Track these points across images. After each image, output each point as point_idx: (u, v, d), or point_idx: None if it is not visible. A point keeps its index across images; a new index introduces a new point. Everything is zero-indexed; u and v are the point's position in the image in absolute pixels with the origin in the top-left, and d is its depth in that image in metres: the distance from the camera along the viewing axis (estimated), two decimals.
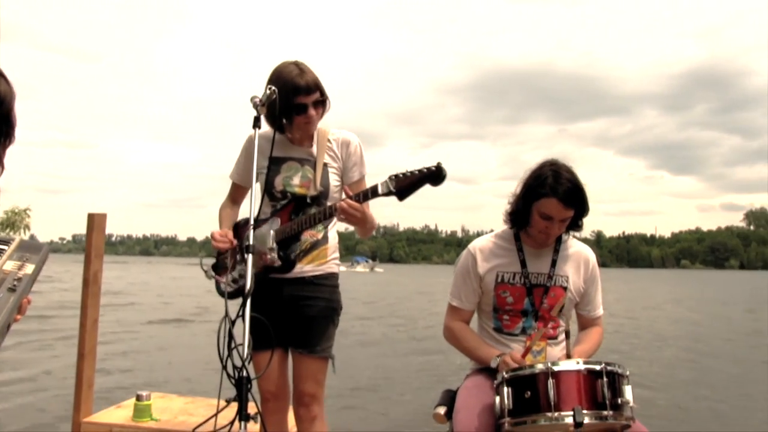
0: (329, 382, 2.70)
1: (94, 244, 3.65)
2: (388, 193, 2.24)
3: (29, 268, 1.85)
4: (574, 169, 2.50)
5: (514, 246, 2.63)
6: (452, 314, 2.71)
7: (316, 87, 2.53)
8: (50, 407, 6.43)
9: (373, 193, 2.30)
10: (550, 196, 2.42)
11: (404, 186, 2.21)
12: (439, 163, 2.18)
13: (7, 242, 1.93)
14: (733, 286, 51.60)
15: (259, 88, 2.46)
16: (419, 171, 2.19)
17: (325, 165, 2.65)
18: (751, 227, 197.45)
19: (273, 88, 2.38)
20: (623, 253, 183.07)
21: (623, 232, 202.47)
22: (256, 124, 2.39)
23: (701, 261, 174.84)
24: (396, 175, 2.22)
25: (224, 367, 1.97)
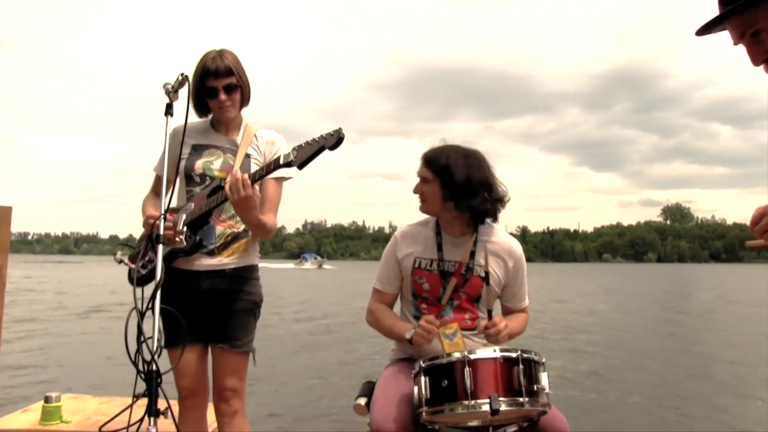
0: (254, 377, 2.65)
1: None
2: (288, 164, 2.22)
3: None
4: (479, 155, 2.58)
5: (433, 233, 2.63)
6: (374, 297, 2.71)
7: (228, 72, 2.51)
8: None
9: (275, 165, 2.27)
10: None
11: (305, 154, 2.19)
12: (339, 128, 2.19)
13: None
14: (649, 278, 53.61)
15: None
16: (319, 138, 2.18)
17: (248, 155, 2.62)
18: (668, 222, 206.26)
19: (185, 74, 2.32)
20: (548, 248, 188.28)
21: (548, 228, 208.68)
22: (168, 111, 2.32)
23: (622, 255, 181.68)
24: (299, 145, 2.21)
25: (134, 362, 1.90)
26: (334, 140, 2.16)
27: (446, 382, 2.07)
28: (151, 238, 2.15)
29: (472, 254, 2.59)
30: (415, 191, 2.60)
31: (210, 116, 2.67)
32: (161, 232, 2.12)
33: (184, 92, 2.28)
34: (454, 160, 2.51)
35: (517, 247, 2.67)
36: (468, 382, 2.02)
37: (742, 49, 1.67)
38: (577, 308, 20.97)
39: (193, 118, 2.59)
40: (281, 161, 2.23)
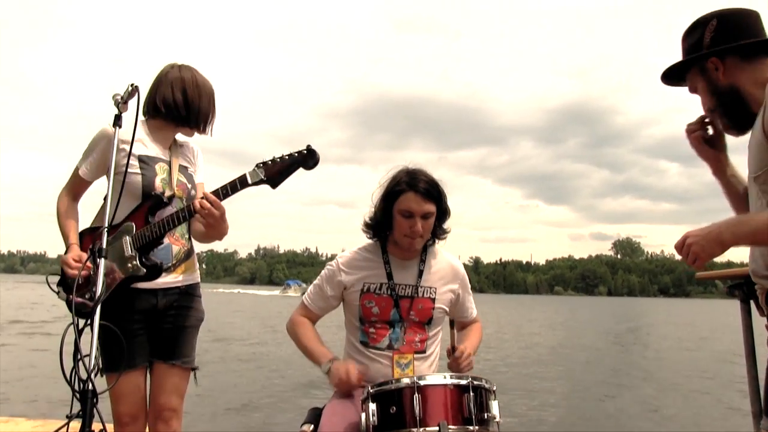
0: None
1: None
2: (258, 182, 2.17)
3: None
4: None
5: (380, 257, 2.60)
6: (301, 309, 2.68)
7: (181, 83, 2.54)
8: None
9: (242, 183, 2.22)
10: (407, 191, 2.44)
11: (275, 172, 2.14)
12: (309, 145, 2.13)
13: None
14: (598, 311, 54.50)
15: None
16: (289, 155, 2.14)
17: (184, 168, 2.61)
18: (618, 256, 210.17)
19: (135, 84, 2.24)
20: (500, 279, 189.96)
21: (500, 259, 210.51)
22: (117, 122, 2.24)
23: (573, 287, 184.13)
24: (264, 162, 2.17)
25: (69, 381, 1.81)
26: (307, 158, 2.13)
27: (395, 408, 2.01)
28: (93, 252, 2.05)
29: (420, 273, 2.59)
30: (418, 231, 2.46)
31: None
32: (104, 245, 2.03)
33: (133, 104, 2.20)
34: (441, 188, 2.51)
35: (459, 265, 2.74)
36: (417, 409, 1.96)
37: (685, 90, 1.99)
38: (522, 339, 21.19)
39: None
40: (249, 180, 2.18)
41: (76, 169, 2.53)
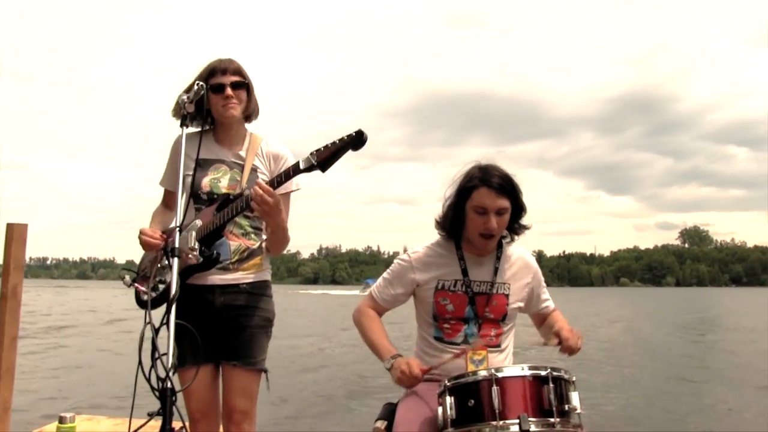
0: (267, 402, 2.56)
1: (14, 256, 3.42)
2: (310, 168, 2.15)
3: None
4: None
5: (454, 254, 2.55)
6: (369, 301, 2.65)
7: (237, 71, 2.50)
8: None
9: (294, 170, 2.19)
10: (480, 186, 2.39)
11: (326, 157, 2.11)
12: (359, 129, 2.10)
13: None
14: (668, 302, 53.03)
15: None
16: (339, 140, 2.11)
17: (254, 169, 2.56)
18: (686, 245, 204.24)
19: (201, 83, 2.26)
20: (564, 272, 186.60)
21: (563, 252, 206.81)
22: (184, 122, 2.26)
23: (639, 279, 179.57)
24: (317, 150, 2.14)
25: (147, 379, 1.83)
26: (356, 140, 2.09)
27: (473, 401, 1.98)
28: (165, 251, 2.08)
29: (496, 271, 2.54)
30: (493, 228, 2.41)
31: (211, 128, 2.61)
32: (176, 245, 2.05)
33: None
34: (515, 183, 2.44)
35: (532, 260, 2.69)
36: (496, 401, 1.92)
37: (748, 74, 1.73)
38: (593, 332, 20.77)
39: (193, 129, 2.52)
40: (301, 166, 2.16)
41: (160, 181, 2.67)
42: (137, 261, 2.64)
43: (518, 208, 2.49)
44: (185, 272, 2.36)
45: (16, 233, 3.45)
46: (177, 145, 2.48)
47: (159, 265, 2.40)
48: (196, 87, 2.24)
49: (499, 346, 2.51)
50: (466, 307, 2.49)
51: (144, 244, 2.44)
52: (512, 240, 2.60)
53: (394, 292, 2.59)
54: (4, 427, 3.33)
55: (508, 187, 2.40)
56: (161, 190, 2.71)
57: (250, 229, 2.55)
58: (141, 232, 2.44)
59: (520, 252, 2.65)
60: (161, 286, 2.33)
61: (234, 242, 2.51)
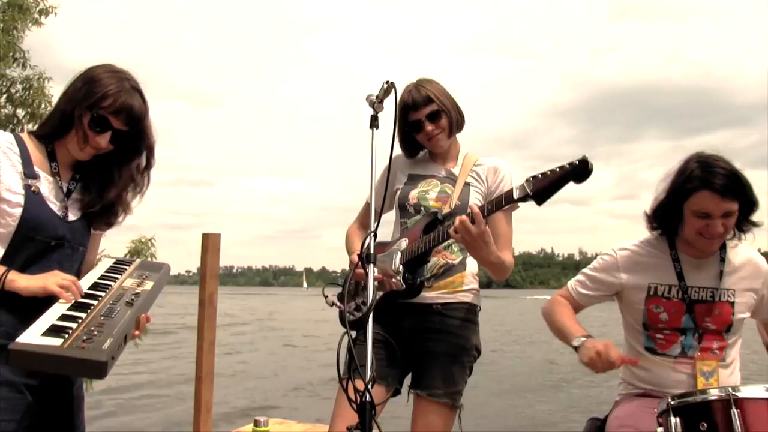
0: None
1: (209, 265, 3.58)
2: (524, 198, 1.91)
3: (148, 285, 1.95)
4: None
5: (668, 255, 2.27)
6: (564, 294, 2.41)
7: (427, 100, 2.32)
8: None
9: (507, 199, 1.96)
10: (701, 189, 2.06)
11: (543, 187, 1.88)
12: (584, 156, 1.84)
13: (128, 263, 2.09)
14: None
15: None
16: (561, 167, 1.86)
17: (467, 184, 2.37)
18: None
19: (390, 81, 2.14)
20: None
21: None
22: (374, 123, 2.15)
23: None
24: (534, 176, 1.90)
25: (345, 390, 1.75)
26: (580, 170, 1.83)
27: (705, 425, 1.71)
28: (360, 257, 1.99)
29: (720, 276, 2.22)
30: (717, 233, 2.10)
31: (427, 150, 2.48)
32: (371, 251, 1.96)
33: (389, 102, 2.11)
34: (743, 179, 2.10)
35: (762, 261, 2.30)
36: (737, 427, 1.64)
37: None
38: None
39: (398, 151, 2.46)
40: (515, 195, 1.93)
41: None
42: (315, 269, 2.61)
43: (748, 204, 2.14)
44: (388, 297, 2.23)
45: (211, 243, 3.60)
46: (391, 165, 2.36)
47: (362, 285, 2.29)
48: (385, 85, 2.13)
49: (723, 360, 2.20)
50: (683, 316, 2.21)
51: (358, 273, 2.26)
52: (738, 239, 2.26)
53: (593, 291, 2.35)
54: (206, 427, 3.48)
55: (735, 187, 2.06)
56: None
57: (455, 246, 2.35)
58: (352, 262, 2.32)
59: (747, 253, 2.30)
60: (365, 308, 2.22)
61: (432, 258, 2.31)
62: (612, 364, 1.97)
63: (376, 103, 2.10)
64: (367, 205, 2.42)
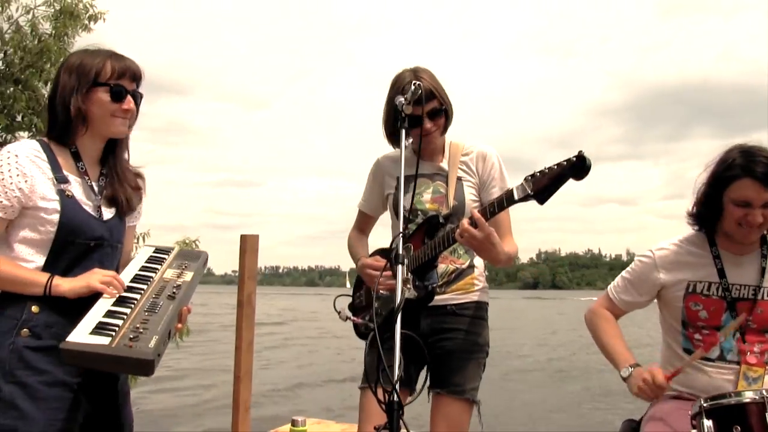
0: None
1: (247, 265, 3.63)
2: (525, 198, 1.90)
3: (188, 276, 1.97)
4: None
5: (708, 251, 2.21)
6: (605, 301, 2.38)
7: (430, 95, 2.26)
8: None
9: (509, 200, 1.95)
10: (742, 177, 2.02)
11: (544, 185, 1.86)
12: (581, 152, 1.81)
13: (167, 251, 2.10)
14: None
15: None
16: (558, 164, 1.83)
17: (459, 179, 2.36)
18: None
19: (417, 82, 2.13)
20: None
21: None
22: (402, 124, 2.15)
23: None
24: (532, 175, 1.88)
25: (374, 392, 1.77)
26: (578, 166, 1.80)
27: (739, 428, 1.68)
28: (389, 258, 1.99)
29: (762, 272, 2.16)
30: (756, 222, 2.05)
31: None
32: (400, 251, 1.97)
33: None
34: None
35: None
36: None
37: None
38: None
39: (390, 148, 2.46)
40: (516, 195, 1.92)
41: (359, 203, 2.60)
42: None
43: None
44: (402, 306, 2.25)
45: (249, 244, 3.65)
46: (377, 168, 2.46)
47: (376, 295, 2.27)
48: (413, 87, 2.12)
49: (767, 363, 2.14)
50: (723, 314, 2.16)
51: (370, 279, 2.34)
52: None
53: (633, 295, 2.31)
54: (245, 427, 3.53)
55: None
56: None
57: (460, 249, 2.36)
58: (364, 266, 2.36)
59: None
60: (379, 319, 2.21)
61: (441, 264, 2.32)
62: (661, 388, 1.98)
63: (405, 105, 2.09)
64: (361, 212, 2.59)
